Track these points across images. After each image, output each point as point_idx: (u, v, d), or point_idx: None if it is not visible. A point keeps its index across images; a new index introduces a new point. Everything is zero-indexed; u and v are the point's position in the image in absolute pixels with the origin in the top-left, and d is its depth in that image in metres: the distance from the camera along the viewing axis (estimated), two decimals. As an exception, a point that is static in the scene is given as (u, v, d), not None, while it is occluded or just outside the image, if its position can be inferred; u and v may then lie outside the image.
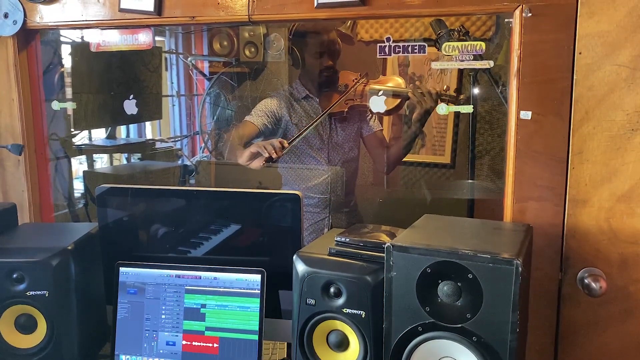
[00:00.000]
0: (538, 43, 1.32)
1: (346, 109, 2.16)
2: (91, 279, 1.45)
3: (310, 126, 2.10)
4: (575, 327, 1.36)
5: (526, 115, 1.34)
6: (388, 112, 2.12)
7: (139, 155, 3.01)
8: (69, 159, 2.31)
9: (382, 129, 2.35)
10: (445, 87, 2.02)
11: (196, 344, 1.33)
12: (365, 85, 2.16)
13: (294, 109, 2.20)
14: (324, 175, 2.20)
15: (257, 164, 2.04)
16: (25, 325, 1.35)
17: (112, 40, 1.70)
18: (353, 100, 2.15)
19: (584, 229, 1.33)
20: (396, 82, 2.17)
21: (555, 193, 1.34)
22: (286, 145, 2.05)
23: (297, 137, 2.09)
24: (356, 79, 2.17)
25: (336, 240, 1.27)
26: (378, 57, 1.51)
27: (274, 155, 2.02)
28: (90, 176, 2.60)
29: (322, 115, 2.13)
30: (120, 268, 1.38)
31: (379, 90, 2.11)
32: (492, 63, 1.43)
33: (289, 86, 2.28)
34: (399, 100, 2.08)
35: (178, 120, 3.40)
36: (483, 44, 1.42)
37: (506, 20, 1.37)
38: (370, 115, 2.27)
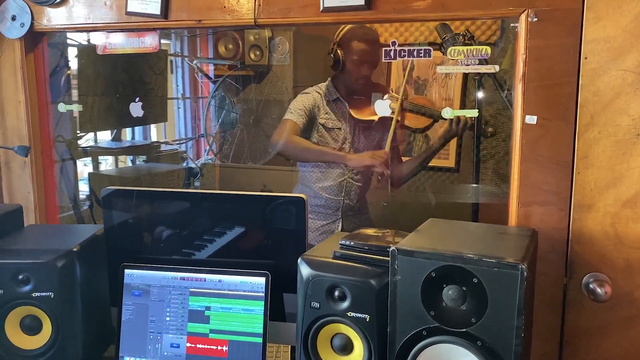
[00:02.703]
0: (544, 48, 1.32)
1: (377, 119, 2.18)
2: (96, 281, 1.46)
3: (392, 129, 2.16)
4: (580, 332, 1.35)
5: (531, 119, 1.34)
6: (418, 130, 2.16)
7: (144, 157, 3.02)
8: (74, 161, 2.32)
9: (399, 145, 2.38)
10: (472, 118, 2.06)
11: (200, 346, 1.33)
12: (401, 101, 2.18)
13: (324, 109, 2.21)
14: (341, 177, 2.21)
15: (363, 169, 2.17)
16: (31, 327, 1.35)
17: (119, 43, 1.71)
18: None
19: (589, 234, 1.32)
20: (430, 102, 2.21)
21: (560, 198, 1.34)
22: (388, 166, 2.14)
23: (388, 143, 2.17)
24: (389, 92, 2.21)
25: (341, 244, 1.27)
26: (383, 61, 1.51)
27: (385, 171, 2.12)
28: (95, 178, 2.61)
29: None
30: (125, 270, 1.38)
31: (414, 110, 2.14)
32: (497, 68, 1.43)
33: (322, 85, 2.26)
34: (431, 121, 2.11)
35: (183, 123, 3.41)
36: (489, 48, 1.42)
37: (512, 24, 1.37)
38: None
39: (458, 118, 2.01)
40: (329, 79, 2.24)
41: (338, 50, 2.14)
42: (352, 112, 2.20)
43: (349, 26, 2.13)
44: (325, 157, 2.19)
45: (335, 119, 2.20)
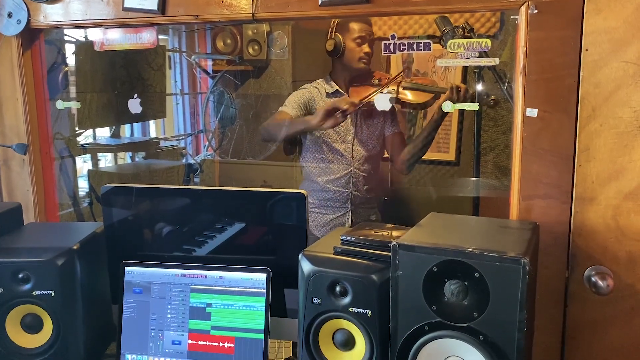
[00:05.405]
0: (544, 40, 1.31)
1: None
2: (97, 279, 1.45)
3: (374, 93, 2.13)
4: (582, 325, 1.35)
5: (532, 112, 1.33)
6: (419, 106, 2.15)
7: (143, 154, 3.02)
8: (73, 158, 2.32)
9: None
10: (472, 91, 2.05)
11: (202, 343, 1.33)
12: (399, 83, 2.18)
13: (322, 103, 2.20)
14: (347, 169, 2.21)
15: (331, 122, 2.03)
16: (31, 325, 1.35)
17: (116, 39, 1.70)
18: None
19: (590, 227, 1.32)
20: (431, 81, 2.21)
21: (561, 191, 1.34)
22: (357, 102, 2.07)
23: (366, 97, 2.12)
24: (389, 77, 2.21)
25: (342, 239, 1.27)
26: (383, 54, 1.50)
27: (352, 109, 2.03)
28: (94, 175, 2.60)
29: (388, 83, 2.16)
30: (125, 267, 1.38)
31: (414, 87, 2.14)
32: (497, 60, 1.42)
33: (319, 81, 2.26)
34: (432, 95, 2.11)
35: (182, 119, 3.40)
36: (489, 41, 1.41)
37: (512, 17, 1.36)
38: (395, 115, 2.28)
39: (458, 87, 1.96)
40: (327, 75, 2.24)
41: (337, 34, 2.15)
42: None
43: None
44: (293, 127, 2.15)
45: None
